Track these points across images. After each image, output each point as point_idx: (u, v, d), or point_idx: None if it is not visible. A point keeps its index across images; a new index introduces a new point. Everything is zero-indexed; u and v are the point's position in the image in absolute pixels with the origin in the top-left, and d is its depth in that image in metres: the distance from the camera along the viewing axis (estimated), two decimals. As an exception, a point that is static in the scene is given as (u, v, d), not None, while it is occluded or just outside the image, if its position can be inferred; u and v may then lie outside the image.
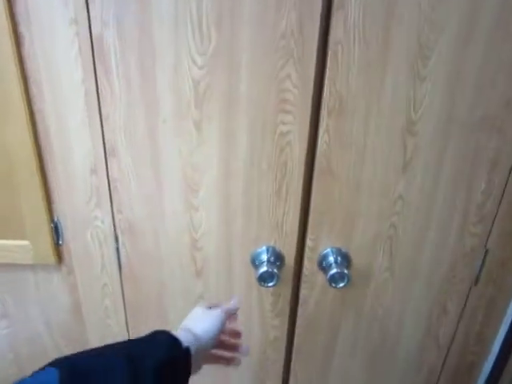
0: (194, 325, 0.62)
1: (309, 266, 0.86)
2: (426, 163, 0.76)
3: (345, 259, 0.83)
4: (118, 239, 0.87)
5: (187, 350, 0.54)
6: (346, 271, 0.79)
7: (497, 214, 0.81)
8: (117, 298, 0.95)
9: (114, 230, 0.86)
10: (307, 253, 0.84)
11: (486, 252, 0.85)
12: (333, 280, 0.80)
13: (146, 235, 0.86)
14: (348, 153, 0.75)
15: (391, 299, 0.90)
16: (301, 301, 0.90)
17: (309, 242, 0.83)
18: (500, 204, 0.81)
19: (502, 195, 0.80)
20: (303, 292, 0.89)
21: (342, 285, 0.80)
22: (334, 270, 0.79)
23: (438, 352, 0.98)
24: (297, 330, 0.94)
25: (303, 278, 0.88)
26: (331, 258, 0.82)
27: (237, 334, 0.70)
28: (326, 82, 0.70)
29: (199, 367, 0.61)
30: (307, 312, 0.92)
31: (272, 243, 0.84)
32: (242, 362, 0.69)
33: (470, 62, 0.68)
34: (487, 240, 0.84)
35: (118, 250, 0.88)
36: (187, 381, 0.56)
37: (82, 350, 0.51)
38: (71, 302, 0.97)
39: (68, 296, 0.96)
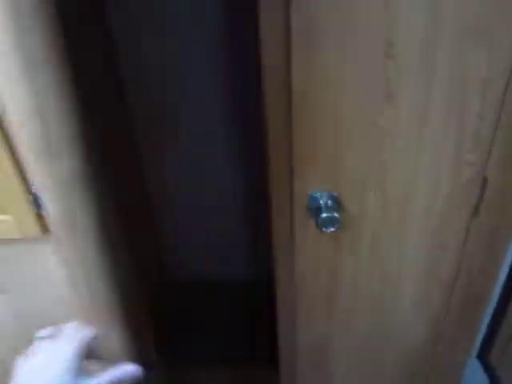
0: None
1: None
2: (412, 90, 0.71)
3: (335, 202, 0.80)
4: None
5: None
6: (336, 214, 0.76)
7: (493, 139, 0.76)
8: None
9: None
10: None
11: (485, 181, 0.81)
12: (323, 224, 0.77)
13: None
14: (325, 88, 0.70)
15: (388, 239, 0.87)
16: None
17: (296, 188, 0.80)
18: (496, 129, 0.75)
19: (499, 118, 0.74)
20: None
21: (333, 229, 0.77)
22: (324, 214, 0.76)
23: (441, 289, 0.95)
24: (294, 279, 0.93)
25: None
26: (321, 202, 0.79)
27: None
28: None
29: None
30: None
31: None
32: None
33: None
34: (485, 169, 0.80)
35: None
36: None
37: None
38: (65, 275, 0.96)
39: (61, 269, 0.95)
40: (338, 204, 0.80)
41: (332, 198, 0.79)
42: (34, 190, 0.81)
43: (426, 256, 0.90)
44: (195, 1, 1.35)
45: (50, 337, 0.47)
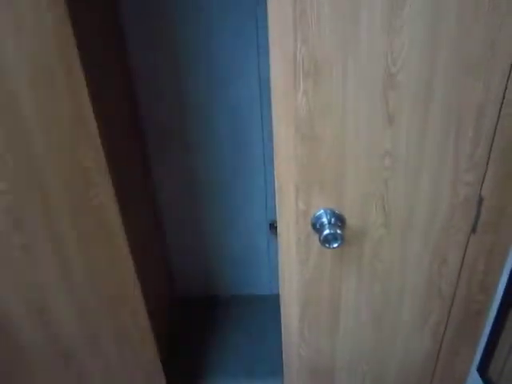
0: None
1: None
2: (411, 115, 0.75)
3: (338, 219, 0.84)
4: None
5: None
6: (338, 231, 0.80)
7: (488, 160, 0.81)
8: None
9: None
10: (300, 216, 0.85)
11: (481, 200, 0.85)
12: (326, 241, 0.81)
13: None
14: (329, 114, 0.75)
15: (389, 255, 0.91)
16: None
17: (301, 206, 0.84)
18: (491, 150, 0.79)
19: (492, 141, 0.78)
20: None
21: (335, 245, 0.81)
22: (327, 231, 0.80)
23: (442, 303, 0.99)
24: (300, 294, 0.97)
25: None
26: (324, 220, 0.83)
27: None
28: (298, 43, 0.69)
29: None
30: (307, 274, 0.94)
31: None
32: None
33: (447, 6, 0.66)
34: (481, 188, 0.84)
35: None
36: None
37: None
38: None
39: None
40: (341, 221, 0.84)
41: (335, 215, 0.83)
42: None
43: (427, 271, 0.93)
44: (203, 31, 1.41)
45: None
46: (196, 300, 1.99)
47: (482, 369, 1.08)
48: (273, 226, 0.90)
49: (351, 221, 0.86)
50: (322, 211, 0.84)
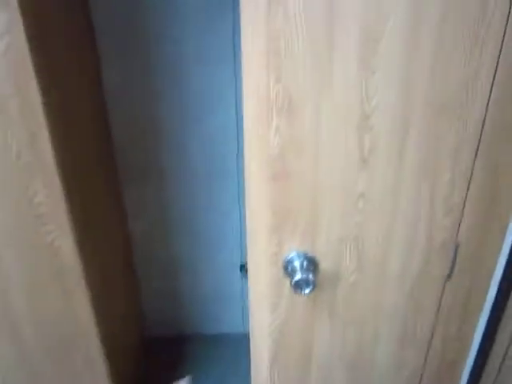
0: None
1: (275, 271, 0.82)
2: (386, 157, 0.73)
3: (311, 263, 0.80)
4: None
5: None
6: (311, 276, 0.75)
7: (465, 204, 0.79)
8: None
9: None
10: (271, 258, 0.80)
11: (458, 245, 0.82)
12: (298, 286, 0.76)
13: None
14: (302, 153, 0.72)
15: (363, 301, 0.86)
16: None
17: (273, 248, 0.79)
18: (467, 194, 0.78)
19: (469, 184, 0.77)
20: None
21: (307, 291, 0.76)
22: (298, 276, 0.76)
23: (417, 351, 0.94)
24: (271, 339, 0.91)
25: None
26: (296, 263, 0.79)
27: None
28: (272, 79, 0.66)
29: None
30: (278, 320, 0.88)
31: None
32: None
33: (422, 47, 0.65)
34: (457, 233, 0.81)
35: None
36: None
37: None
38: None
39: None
40: (314, 265, 0.80)
41: (308, 259, 0.79)
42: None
43: (402, 318, 0.89)
44: (177, 57, 1.38)
45: None
46: (167, 339, 1.89)
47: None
48: (244, 268, 0.84)
49: (324, 265, 0.81)
50: (294, 254, 0.79)
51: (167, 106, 1.44)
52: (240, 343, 1.85)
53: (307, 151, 0.72)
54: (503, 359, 0.90)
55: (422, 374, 0.97)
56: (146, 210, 1.61)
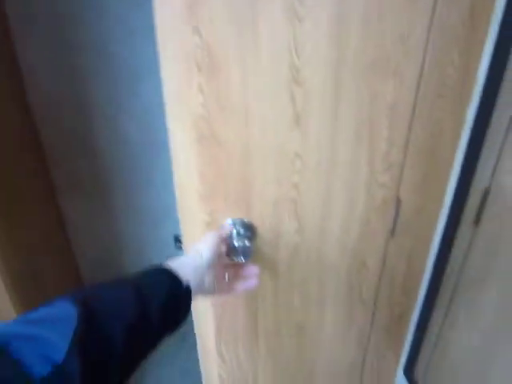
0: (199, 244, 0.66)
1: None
2: (320, 114, 0.68)
3: (248, 230, 0.76)
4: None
5: (187, 288, 0.58)
6: (247, 243, 0.72)
7: (404, 160, 0.76)
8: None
9: None
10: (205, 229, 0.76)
11: (399, 202, 0.80)
12: (234, 254, 0.72)
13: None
14: (229, 113, 0.66)
15: (306, 263, 0.84)
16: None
17: (205, 217, 0.74)
18: (407, 150, 0.75)
19: (407, 141, 0.74)
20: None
21: (243, 259, 0.72)
22: (234, 244, 0.72)
23: (364, 308, 0.94)
24: (214, 309, 0.88)
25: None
26: (233, 231, 0.74)
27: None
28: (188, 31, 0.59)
29: (212, 282, 0.64)
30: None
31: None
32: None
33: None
34: (398, 190, 0.79)
35: None
36: (187, 314, 0.60)
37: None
38: None
39: None
40: (251, 231, 0.76)
41: (245, 225, 0.75)
42: None
43: (346, 277, 0.88)
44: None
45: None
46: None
47: (408, 370, 1.06)
48: (178, 239, 0.80)
49: (263, 230, 0.78)
50: (229, 221, 0.75)
51: (94, 81, 1.33)
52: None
53: (235, 110, 0.66)
54: (448, 309, 0.91)
55: (370, 330, 0.98)
56: (84, 187, 1.52)
